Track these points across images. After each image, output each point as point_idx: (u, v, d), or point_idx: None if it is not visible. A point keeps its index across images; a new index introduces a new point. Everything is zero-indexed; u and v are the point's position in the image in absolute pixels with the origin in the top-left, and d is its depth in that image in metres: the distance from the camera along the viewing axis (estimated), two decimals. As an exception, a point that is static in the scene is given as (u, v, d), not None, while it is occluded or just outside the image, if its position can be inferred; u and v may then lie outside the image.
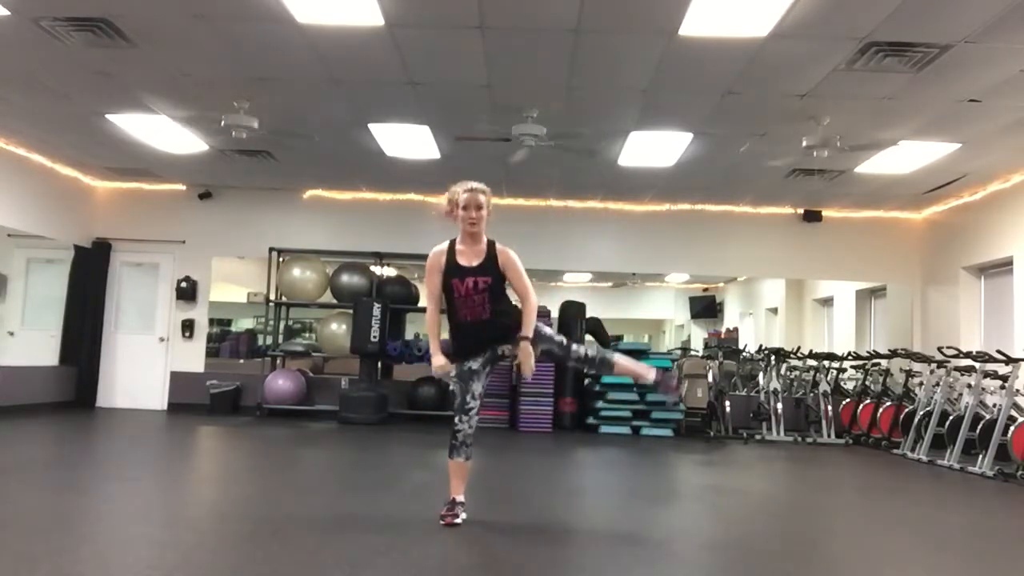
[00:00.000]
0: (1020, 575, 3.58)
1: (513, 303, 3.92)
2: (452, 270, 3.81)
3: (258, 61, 5.74)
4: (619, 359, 3.95)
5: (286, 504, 4.35)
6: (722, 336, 11.32)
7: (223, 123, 6.57)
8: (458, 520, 3.78)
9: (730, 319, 11.52)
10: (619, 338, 10.64)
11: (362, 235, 9.85)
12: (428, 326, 3.98)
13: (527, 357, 3.73)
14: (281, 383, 9.30)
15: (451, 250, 3.86)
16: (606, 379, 8.90)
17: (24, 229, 8.62)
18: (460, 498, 3.87)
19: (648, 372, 3.97)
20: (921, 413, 7.51)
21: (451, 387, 3.92)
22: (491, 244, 3.88)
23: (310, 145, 7.78)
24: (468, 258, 3.82)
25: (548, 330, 3.93)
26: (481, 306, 3.78)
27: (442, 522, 3.76)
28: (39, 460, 5.72)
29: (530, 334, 3.75)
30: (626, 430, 8.79)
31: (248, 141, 7.18)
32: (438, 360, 3.86)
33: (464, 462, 3.85)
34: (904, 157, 7.37)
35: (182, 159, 8.48)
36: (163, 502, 4.42)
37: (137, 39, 5.37)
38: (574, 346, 3.92)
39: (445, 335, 4.02)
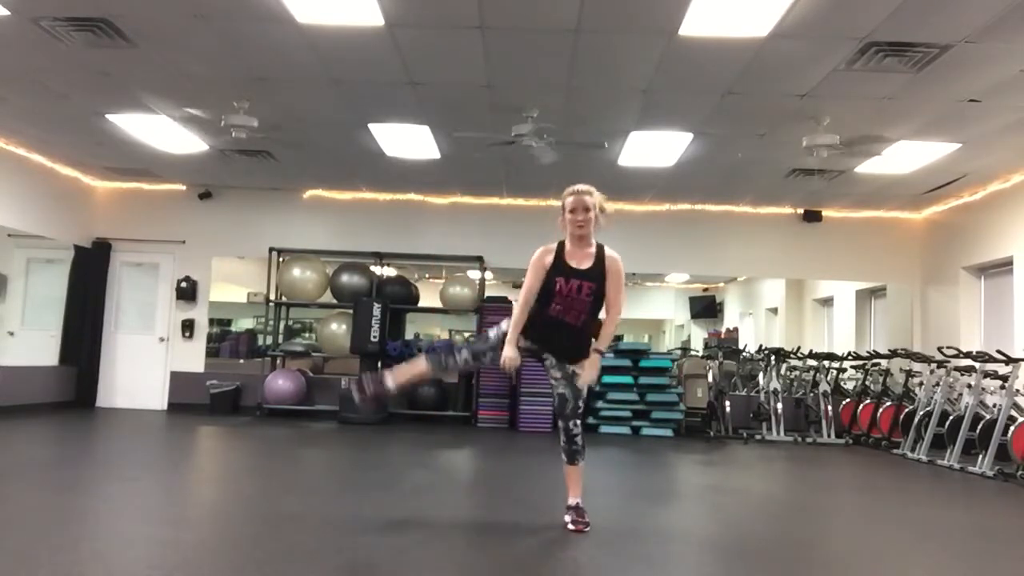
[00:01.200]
0: (1020, 575, 3.58)
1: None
2: (560, 269, 3.73)
3: (258, 61, 5.74)
4: (581, 466, 3.90)
5: (286, 504, 4.35)
6: (722, 336, 11.32)
7: (223, 123, 6.57)
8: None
9: (730, 319, 11.53)
10: (619, 338, 10.63)
11: (362, 235, 9.85)
12: (514, 322, 3.75)
13: (592, 368, 3.74)
14: (281, 383, 9.30)
15: (560, 251, 3.79)
16: (606, 379, 8.91)
17: (24, 229, 8.62)
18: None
19: (578, 493, 3.89)
20: (921, 413, 7.51)
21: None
22: (600, 248, 3.80)
23: (310, 145, 7.78)
24: (578, 260, 3.75)
25: (583, 395, 3.88)
26: (579, 311, 3.73)
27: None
28: (39, 460, 5.72)
29: (603, 348, 3.76)
30: (626, 430, 8.79)
31: (248, 141, 7.19)
32: (510, 351, 3.72)
33: (434, 371, 3.90)
34: (904, 157, 7.36)
35: (182, 159, 8.48)
36: (163, 502, 4.42)
37: (137, 39, 5.37)
38: (577, 420, 3.83)
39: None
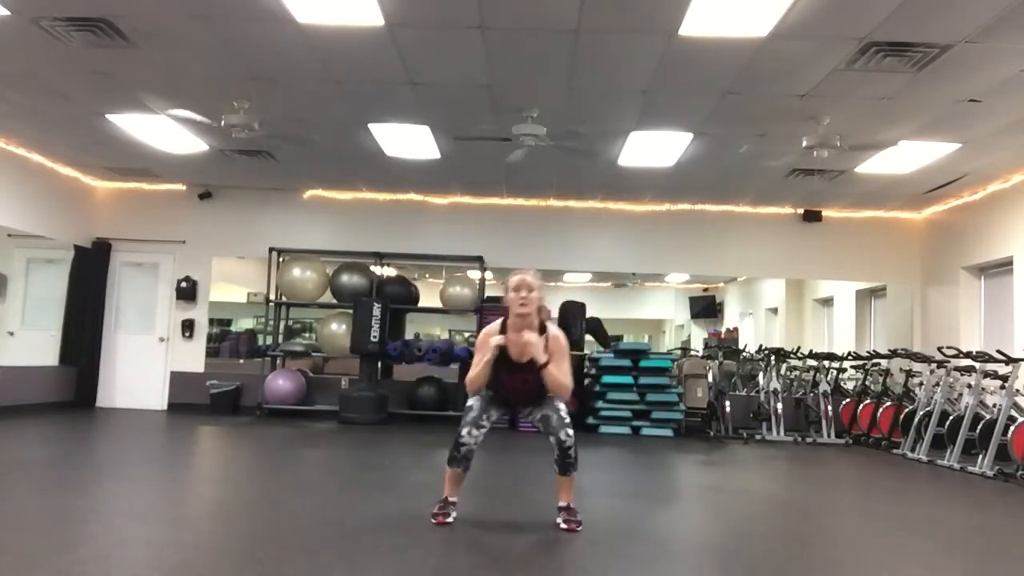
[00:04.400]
0: (1020, 575, 3.58)
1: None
2: (502, 362, 3.75)
3: (258, 61, 5.74)
4: (573, 476, 3.85)
5: (286, 504, 4.35)
6: (722, 336, 11.31)
7: (223, 123, 6.57)
8: (449, 519, 3.79)
9: (730, 319, 11.52)
10: (619, 338, 10.63)
11: (362, 235, 9.85)
12: (475, 380, 3.79)
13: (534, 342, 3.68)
14: (281, 383, 9.30)
15: (502, 334, 3.78)
16: (606, 379, 8.91)
17: (24, 229, 8.62)
18: (453, 499, 3.88)
19: (569, 497, 3.89)
20: (921, 413, 7.51)
21: (468, 402, 3.92)
22: (543, 330, 3.79)
23: (310, 145, 7.78)
24: (519, 351, 3.74)
25: (565, 409, 3.87)
26: (526, 394, 3.86)
27: (433, 521, 3.77)
28: (39, 460, 5.72)
29: (543, 359, 3.69)
30: (626, 430, 8.78)
31: (248, 141, 7.19)
32: (496, 340, 3.72)
33: (463, 472, 3.86)
34: (904, 157, 7.37)
35: (182, 159, 8.49)
36: (163, 502, 4.42)
37: (137, 39, 5.37)
38: (569, 430, 3.78)
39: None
